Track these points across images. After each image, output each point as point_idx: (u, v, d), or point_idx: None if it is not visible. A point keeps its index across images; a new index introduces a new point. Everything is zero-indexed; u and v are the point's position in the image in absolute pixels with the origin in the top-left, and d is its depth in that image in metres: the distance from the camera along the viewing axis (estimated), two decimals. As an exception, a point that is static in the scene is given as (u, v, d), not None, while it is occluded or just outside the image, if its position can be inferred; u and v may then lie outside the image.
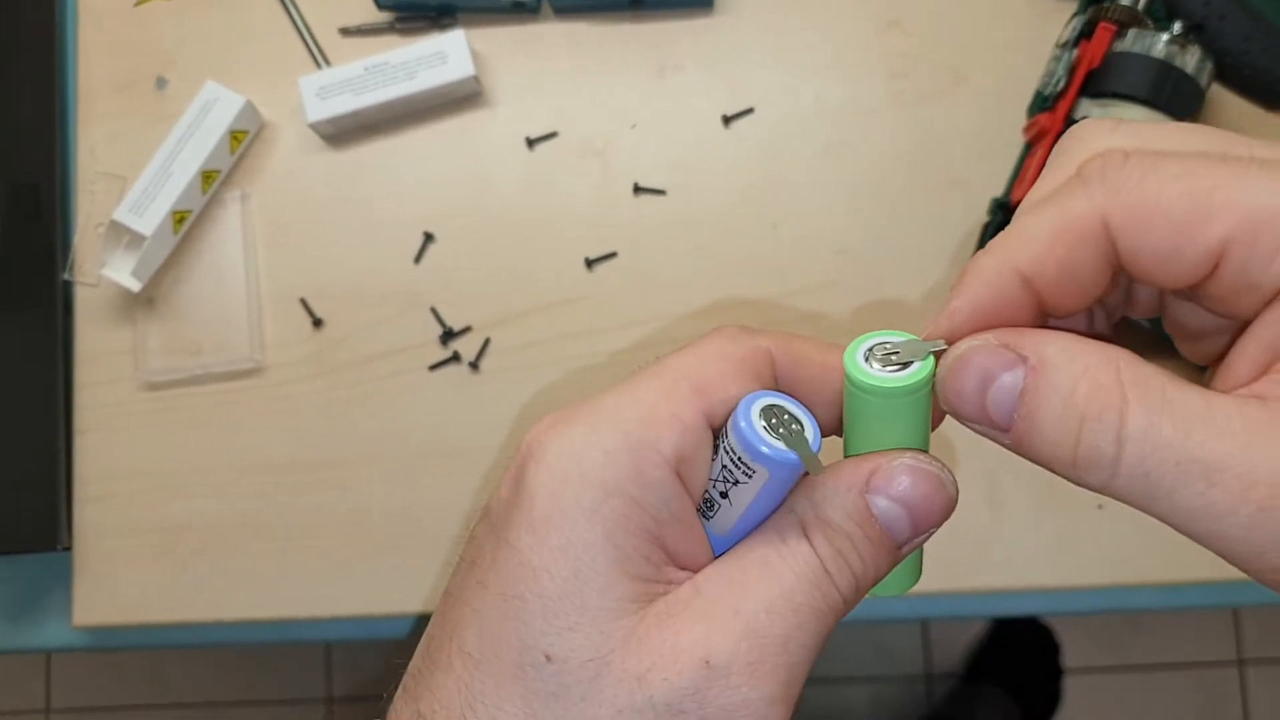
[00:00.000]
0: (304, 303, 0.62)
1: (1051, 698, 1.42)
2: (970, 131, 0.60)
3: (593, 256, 0.61)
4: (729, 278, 0.61)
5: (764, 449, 0.27)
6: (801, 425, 0.28)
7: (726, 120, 0.62)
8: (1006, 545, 0.57)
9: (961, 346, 0.26)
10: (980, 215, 0.57)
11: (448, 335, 0.61)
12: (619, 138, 0.62)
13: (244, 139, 0.63)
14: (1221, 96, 0.60)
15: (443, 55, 0.61)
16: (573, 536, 0.27)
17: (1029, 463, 0.59)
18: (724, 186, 0.61)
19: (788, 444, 0.27)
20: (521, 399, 0.61)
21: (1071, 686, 1.43)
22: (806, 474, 0.28)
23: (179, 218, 0.61)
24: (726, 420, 0.28)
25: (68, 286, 0.64)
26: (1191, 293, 0.27)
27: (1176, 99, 0.55)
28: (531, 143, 0.62)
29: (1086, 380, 0.25)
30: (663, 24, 0.63)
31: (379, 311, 0.62)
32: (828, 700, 1.47)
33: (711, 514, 0.29)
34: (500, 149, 0.63)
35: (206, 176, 0.62)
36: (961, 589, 0.57)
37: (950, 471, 0.29)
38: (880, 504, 0.28)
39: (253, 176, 0.64)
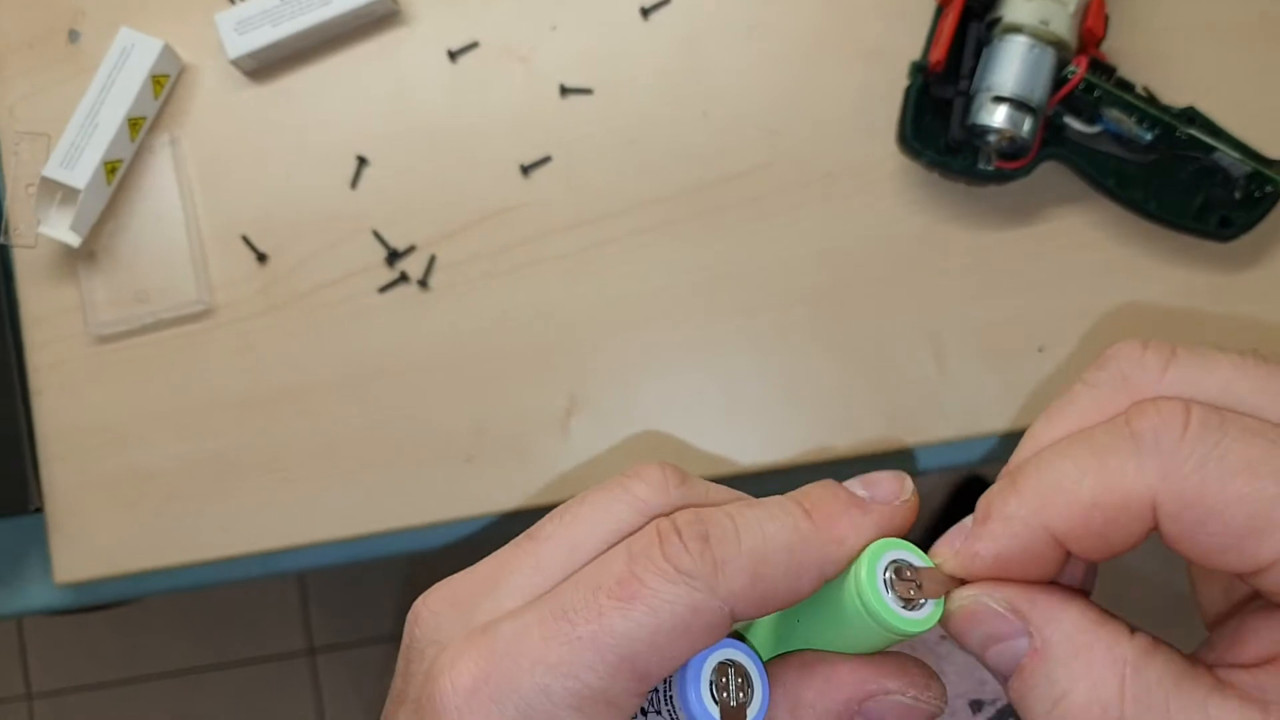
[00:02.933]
0: (246, 239, 0.62)
1: None
2: (882, 1, 0.61)
3: (527, 163, 0.62)
4: (664, 168, 0.61)
5: (701, 718, 0.26)
6: (750, 688, 0.27)
7: (645, 13, 0.62)
8: (954, 397, 0.59)
9: (969, 598, 0.26)
10: (901, 79, 0.59)
11: (393, 256, 0.62)
12: (540, 41, 0.63)
13: (166, 83, 0.63)
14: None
15: (355, -23, 0.61)
16: None
17: (970, 315, 0.61)
18: (650, 79, 0.62)
19: (724, 715, 0.26)
20: (473, 311, 0.61)
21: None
22: None
23: (110, 168, 0.61)
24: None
25: (5, 251, 0.64)
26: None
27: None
28: (453, 55, 0.63)
29: (1084, 686, 0.24)
30: (571, -76, 0.63)
31: (321, 240, 0.62)
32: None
33: None
34: (423, 65, 0.63)
35: (133, 124, 0.61)
36: (914, 442, 0.59)
37: (943, 689, 0.29)
38: None
39: (180, 120, 0.64)
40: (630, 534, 0.28)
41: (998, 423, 0.59)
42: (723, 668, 0.27)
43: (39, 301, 0.63)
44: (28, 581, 0.64)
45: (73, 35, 0.64)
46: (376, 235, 0.62)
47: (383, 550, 0.62)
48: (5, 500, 0.62)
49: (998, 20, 0.56)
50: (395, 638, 1.53)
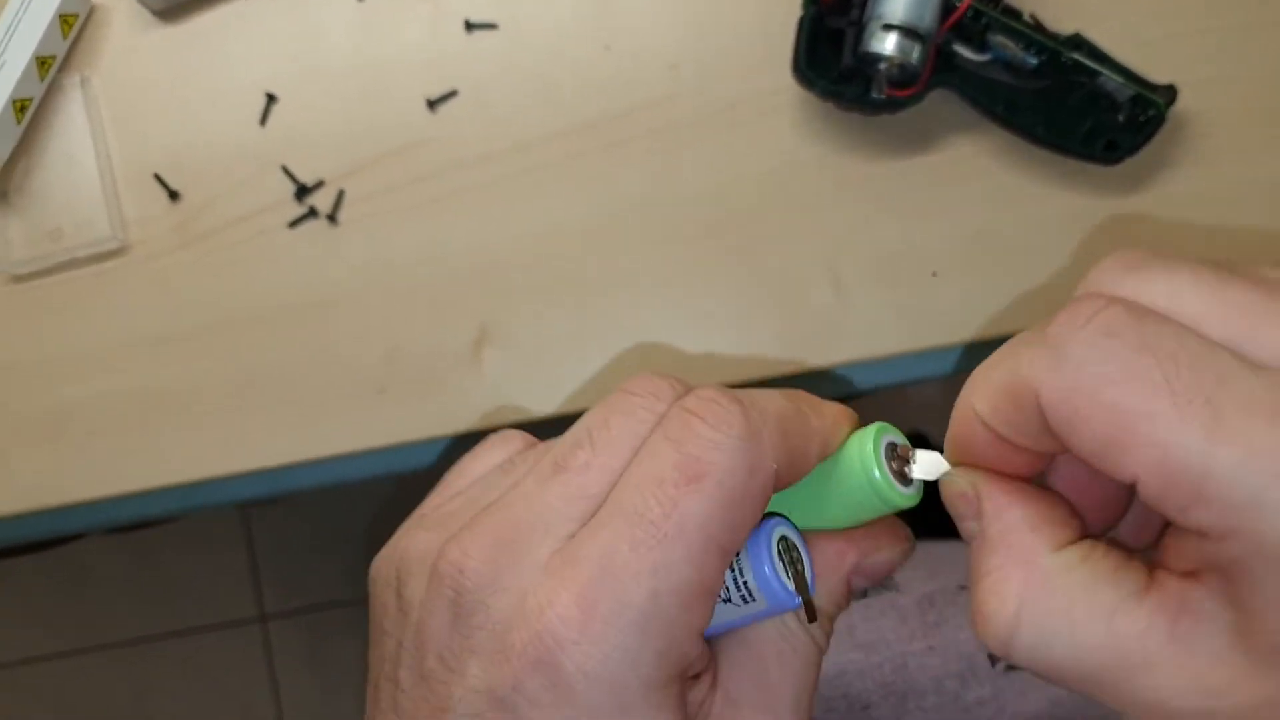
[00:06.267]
0: (158, 177, 0.63)
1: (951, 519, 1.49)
2: (780, -68, 0.63)
3: (433, 97, 0.63)
4: (569, 103, 0.63)
5: (780, 594, 0.28)
6: (802, 560, 0.29)
7: (548, -50, 0.63)
8: (852, 321, 0.61)
9: (949, 477, 0.29)
10: (796, 10, 0.60)
11: (302, 191, 0.63)
12: (445, -21, 0.64)
13: (75, 22, 0.63)
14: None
15: (259, -85, 0.62)
16: None
17: (866, 243, 0.62)
18: (553, 14, 0.63)
19: (798, 587, 0.28)
20: (382, 245, 0.63)
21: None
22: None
23: (19, 105, 0.62)
24: None
25: (-80, 192, 0.64)
26: None
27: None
28: (360, -6, 0.64)
29: (995, 578, 0.26)
30: None
31: (232, 177, 0.63)
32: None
33: None
34: (330, 3, 0.64)
35: (41, 63, 0.62)
36: (817, 366, 0.61)
37: (913, 540, 0.32)
38: (858, 584, 0.31)
39: (90, 59, 0.64)
40: None
41: (894, 345, 0.60)
42: (784, 544, 0.29)
43: (-46, 242, 0.64)
44: (-48, 519, 0.65)
45: (-18, -23, 0.65)
46: (286, 171, 0.63)
47: (300, 482, 0.63)
48: (-75, 438, 0.63)
49: (886, -51, 0.57)
50: (347, 602, 1.55)
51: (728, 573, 0.28)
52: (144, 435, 0.63)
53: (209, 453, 0.63)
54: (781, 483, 0.28)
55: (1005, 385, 0.26)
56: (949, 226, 0.60)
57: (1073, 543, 0.26)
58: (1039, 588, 0.25)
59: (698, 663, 0.29)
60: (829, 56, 0.60)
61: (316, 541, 1.56)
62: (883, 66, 0.58)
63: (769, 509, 0.30)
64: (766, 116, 0.62)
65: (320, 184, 0.63)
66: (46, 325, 0.64)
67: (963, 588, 0.54)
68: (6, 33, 0.61)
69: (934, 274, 0.60)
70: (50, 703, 1.61)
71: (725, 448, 0.26)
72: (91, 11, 0.64)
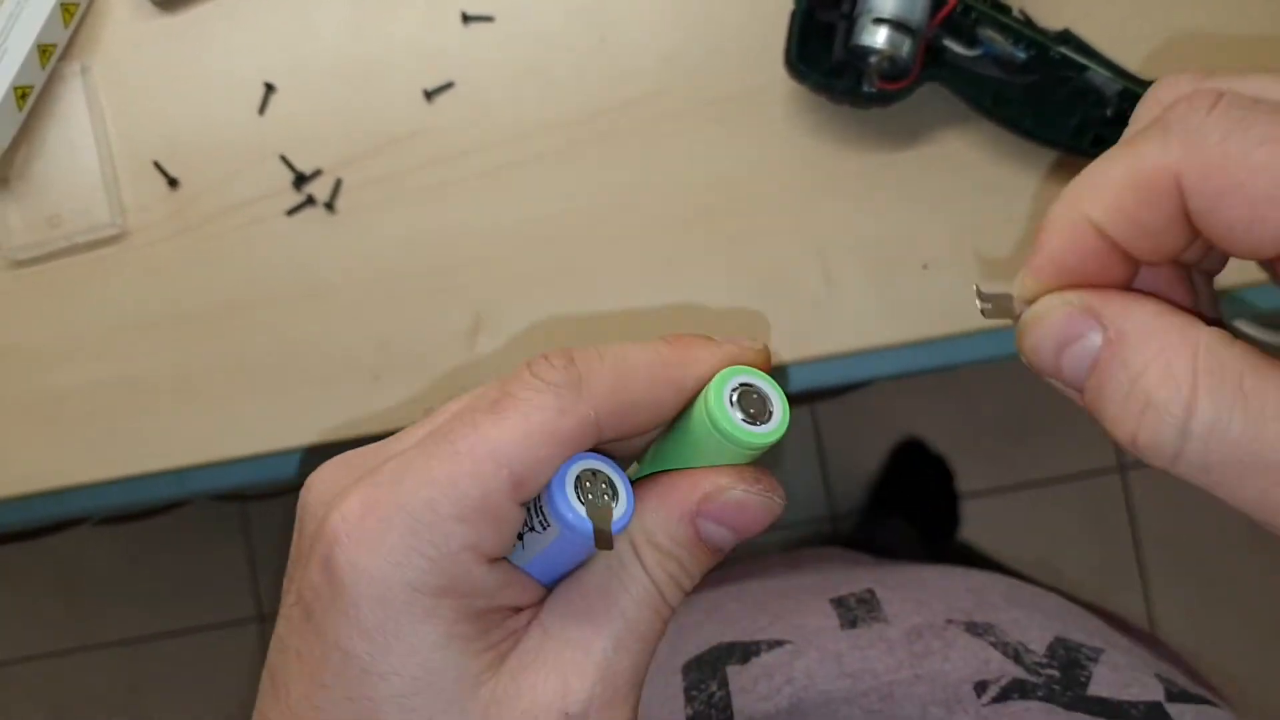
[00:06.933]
0: (157, 165, 0.64)
1: (951, 522, 1.49)
2: (773, -72, 0.63)
3: (431, 88, 0.63)
4: (564, 95, 0.63)
5: (568, 515, 0.28)
6: (615, 496, 0.29)
7: (544, -56, 0.64)
8: (843, 312, 0.61)
9: (1043, 305, 0.26)
10: (789, 4, 0.61)
11: (300, 180, 0.63)
12: (443, -28, 0.64)
13: (75, 11, 0.64)
14: None
15: (260, -94, 0.63)
16: (414, 641, 0.27)
17: (857, 235, 0.63)
18: (549, 7, 0.64)
19: (590, 513, 0.28)
20: (379, 233, 0.63)
21: (968, 509, 1.51)
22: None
23: (21, 93, 0.63)
24: None
25: (-78, 178, 0.65)
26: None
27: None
28: (359, -15, 0.64)
29: (1159, 364, 0.24)
30: None
31: (231, 165, 0.64)
32: (739, 553, 1.52)
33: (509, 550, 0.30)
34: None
35: (43, 50, 0.63)
36: (806, 357, 0.61)
37: (777, 486, 0.30)
38: (709, 529, 0.30)
39: (91, 48, 0.65)
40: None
41: (885, 337, 0.61)
42: (587, 475, 0.29)
43: (-45, 227, 0.64)
44: (-51, 502, 0.66)
45: (-15, -34, 0.65)
46: (284, 160, 0.63)
47: (295, 469, 0.64)
48: (-77, 421, 0.63)
49: (877, -56, 0.58)
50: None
51: (533, 503, 0.29)
52: (139, 420, 0.64)
53: (204, 438, 0.63)
54: (616, 426, 0.29)
55: (1134, 180, 0.25)
56: (939, 219, 0.61)
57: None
58: (1210, 362, 0.23)
59: (501, 592, 0.28)
60: (820, 50, 0.60)
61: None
62: (873, 60, 0.58)
63: (652, 464, 0.31)
64: (758, 109, 0.62)
65: (318, 173, 0.63)
66: (45, 310, 0.64)
67: (950, 621, 0.54)
68: (9, 21, 0.62)
69: (924, 266, 0.61)
70: (45, 701, 1.61)
71: (538, 388, 0.28)
72: (92, 1, 0.65)
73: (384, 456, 0.29)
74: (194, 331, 0.64)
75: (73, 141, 0.64)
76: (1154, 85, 0.27)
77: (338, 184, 0.63)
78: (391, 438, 0.31)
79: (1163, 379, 0.24)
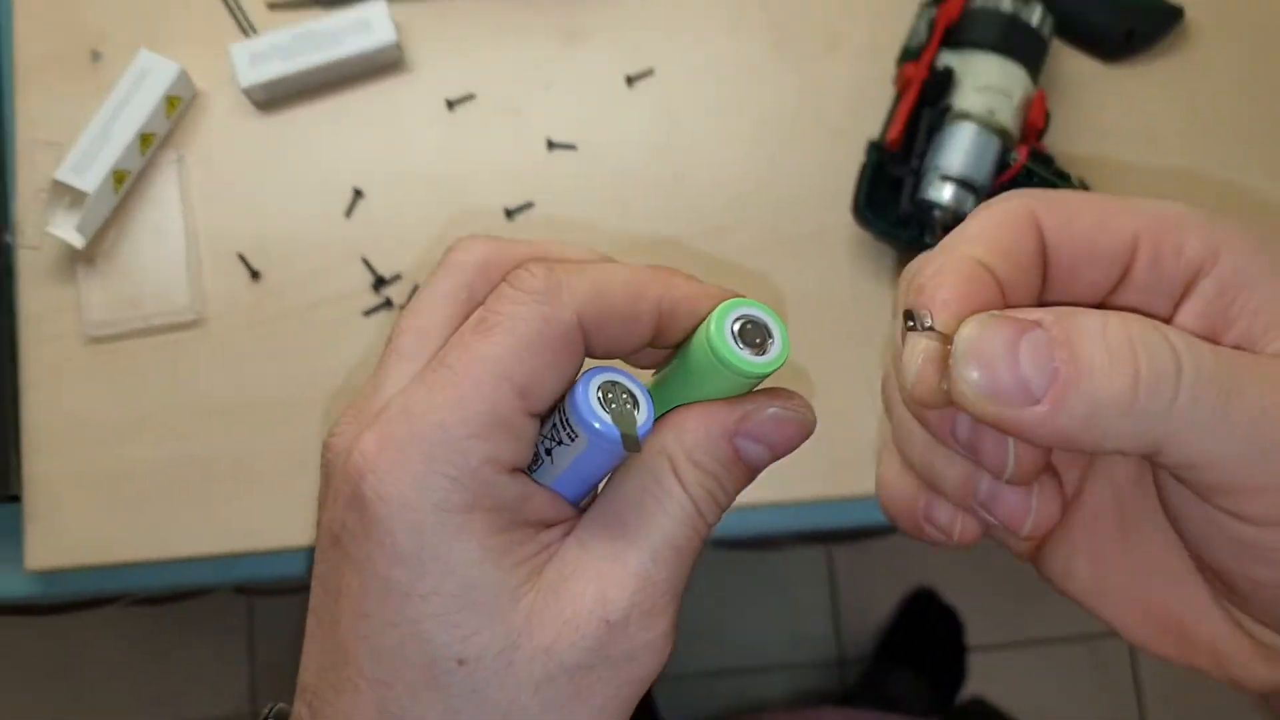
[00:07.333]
0: (241, 257, 0.66)
1: (958, 675, 1.50)
2: (848, 85, 0.68)
3: (512, 207, 0.66)
4: (637, 224, 0.67)
5: (595, 423, 0.29)
6: (636, 404, 0.30)
7: (630, 81, 0.68)
8: (893, 449, 0.63)
9: (973, 322, 0.26)
10: (859, 156, 0.64)
11: (379, 283, 0.66)
12: (532, 99, 0.68)
13: (179, 104, 0.67)
14: (1063, 50, 0.68)
15: (366, 23, 0.66)
16: (450, 560, 0.28)
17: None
18: (629, 141, 0.67)
19: (615, 420, 0.29)
20: (450, 339, 0.66)
21: (975, 663, 1.51)
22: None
23: (119, 177, 0.65)
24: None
25: (9, 250, 0.67)
26: (1111, 298, 0.30)
27: (1023, 49, 0.63)
28: (451, 104, 0.68)
29: (1114, 319, 0.26)
30: (569, -5, 0.69)
31: (313, 263, 0.67)
32: (743, 689, 1.52)
33: (535, 468, 0.31)
34: (422, 111, 0.68)
35: (144, 139, 0.66)
36: (856, 494, 0.63)
37: (807, 404, 0.31)
38: (748, 447, 0.31)
39: (189, 140, 0.68)
40: (471, 293, 0.31)
41: (930, 476, 0.63)
42: (607, 386, 0.29)
43: (38, 300, 0.66)
44: (-4, 569, 0.67)
45: (95, 55, 0.69)
46: (365, 263, 0.66)
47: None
48: (-16, 486, 0.64)
49: (949, 107, 0.62)
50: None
51: (556, 415, 0.30)
52: (199, 503, 0.65)
53: (258, 525, 0.65)
54: (599, 333, 0.29)
55: (1000, 220, 0.29)
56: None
57: None
58: (1169, 333, 0.26)
59: (528, 504, 0.29)
60: (887, 200, 0.64)
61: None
62: (938, 214, 0.62)
63: (656, 401, 0.32)
64: (823, 250, 0.66)
65: (397, 277, 0.66)
66: (116, 386, 0.66)
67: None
68: (116, 108, 0.65)
69: (972, 412, 0.63)
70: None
71: (519, 301, 0.29)
72: (196, 96, 0.68)
73: (384, 397, 0.30)
74: (261, 421, 0.65)
75: (162, 227, 0.67)
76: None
77: (415, 290, 0.66)
78: (378, 378, 0.31)
79: (1126, 322, 0.26)
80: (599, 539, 0.30)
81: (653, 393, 0.31)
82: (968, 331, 0.26)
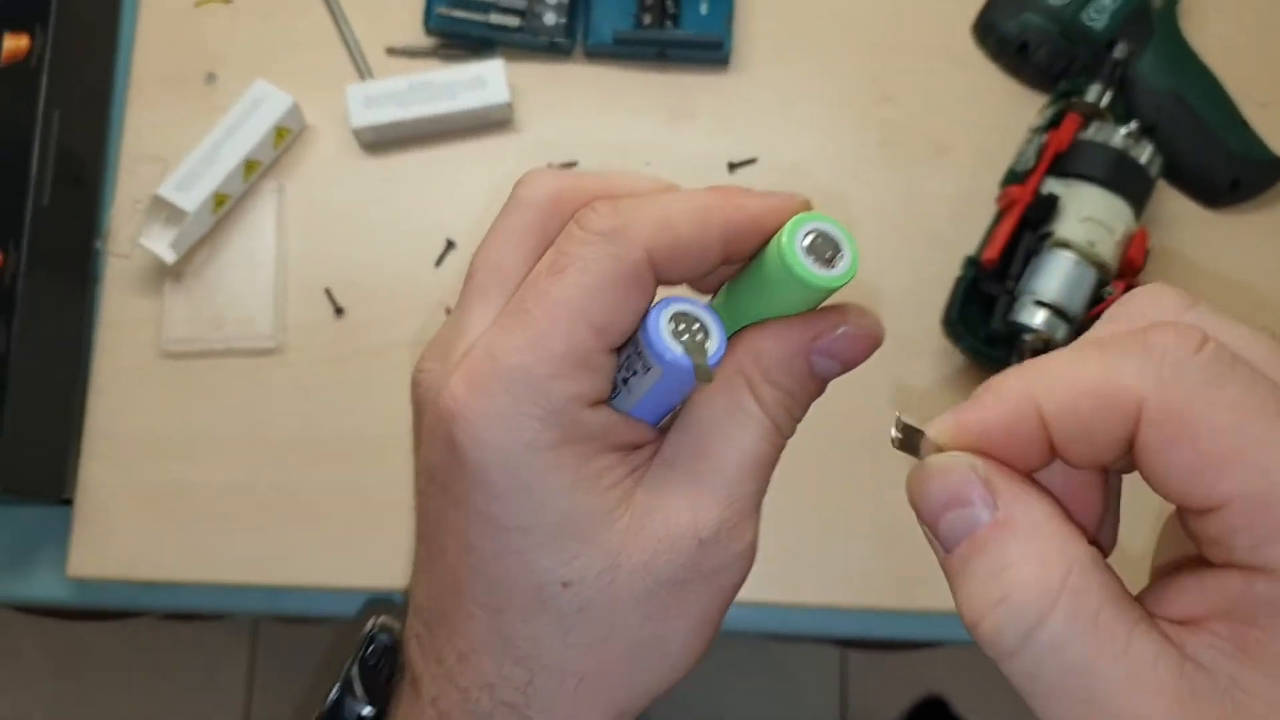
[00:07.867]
0: (328, 292, 0.67)
1: None
2: (949, 196, 0.68)
3: (601, 275, 0.67)
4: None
5: (667, 355, 0.29)
6: (707, 335, 0.30)
7: (732, 167, 0.68)
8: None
9: (948, 459, 0.26)
10: (955, 270, 0.64)
11: (461, 333, 0.66)
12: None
13: (287, 136, 0.68)
14: (1167, 190, 0.68)
15: (482, 80, 0.67)
16: (544, 495, 0.29)
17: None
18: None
19: (687, 350, 0.29)
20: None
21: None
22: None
23: (219, 200, 0.66)
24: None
25: (99, 256, 0.68)
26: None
27: (1130, 185, 0.63)
28: (552, 168, 0.68)
29: (1033, 565, 0.24)
30: (682, 75, 0.70)
31: (398, 306, 0.67)
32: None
33: (614, 396, 0.31)
34: (524, 170, 0.68)
35: (249, 165, 0.66)
36: (929, 608, 0.63)
37: (876, 318, 0.32)
38: (821, 363, 0.31)
39: (292, 172, 0.69)
40: (544, 230, 0.31)
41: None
42: (680, 316, 0.30)
43: (119, 308, 0.67)
44: (37, 572, 0.66)
45: (210, 78, 0.70)
46: (449, 313, 0.66)
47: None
48: (38, 483, 0.64)
49: (1050, 234, 0.62)
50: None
51: (631, 347, 0.30)
52: (251, 530, 0.64)
53: (308, 560, 0.64)
54: (669, 265, 0.30)
55: (1099, 390, 0.25)
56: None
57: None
58: (1079, 582, 0.24)
59: (613, 432, 0.30)
60: (976, 317, 0.64)
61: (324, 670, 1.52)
62: (1028, 338, 0.62)
63: (725, 316, 0.32)
64: (910, 358, 0.65)
65: (479, 330, 0.66)
66: (185, 404, 0.66)
67: None
68: (226, 133, 0.66)
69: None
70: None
71: (588, 241, 0.29)
72: (305, 129, 0.69)
73: (468, 338, 0.31)
74: (323, 456, 0.65)
75: (254, 254, 0.67)
76: (1135, 291, 0.27)
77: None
78: (459, 317, 0.32)
79: (1030, 581, 0.24)
80: (685, 460, 0.31)
81: (721, 308, 0.32)
82: (934, 462, 0.26)
